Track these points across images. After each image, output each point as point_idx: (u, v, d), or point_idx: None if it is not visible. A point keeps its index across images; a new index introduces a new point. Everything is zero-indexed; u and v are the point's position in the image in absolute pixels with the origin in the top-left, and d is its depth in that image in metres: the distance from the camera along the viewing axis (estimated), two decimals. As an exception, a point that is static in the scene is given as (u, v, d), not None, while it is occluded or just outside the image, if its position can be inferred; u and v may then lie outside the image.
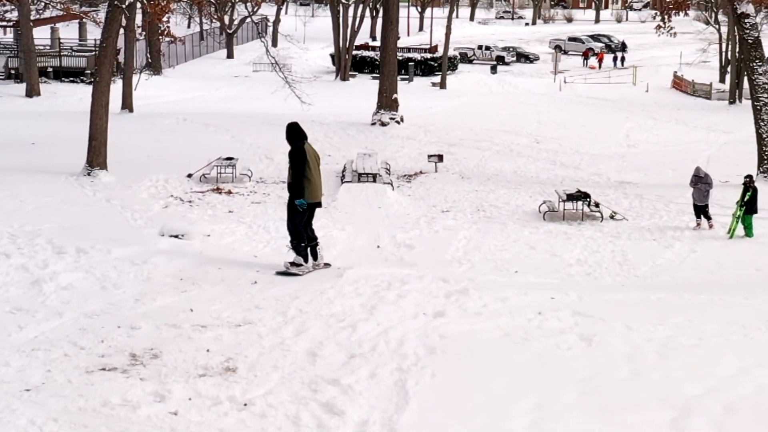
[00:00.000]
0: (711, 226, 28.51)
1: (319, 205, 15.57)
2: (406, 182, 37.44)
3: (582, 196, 30.57)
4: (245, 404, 7.72)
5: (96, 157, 35.24)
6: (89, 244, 14.35)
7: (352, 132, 48.84)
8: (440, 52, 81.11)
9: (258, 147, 43.83)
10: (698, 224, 28.74)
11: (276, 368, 8.69)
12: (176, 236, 19.86)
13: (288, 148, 15.57)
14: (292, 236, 15.20)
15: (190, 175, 36.61)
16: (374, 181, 34.80)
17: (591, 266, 23.89)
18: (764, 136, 37.41)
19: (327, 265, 15.92)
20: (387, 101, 51.54)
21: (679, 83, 78.06)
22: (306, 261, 15.19)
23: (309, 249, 15.11)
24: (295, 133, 14.87)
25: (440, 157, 39.59)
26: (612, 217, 30.44)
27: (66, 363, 8.79)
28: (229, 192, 34.34)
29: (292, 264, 15.02)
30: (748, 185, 27.66)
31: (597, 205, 30.74)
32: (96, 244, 14.38)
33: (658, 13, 41.49)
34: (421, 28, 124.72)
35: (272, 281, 13.43)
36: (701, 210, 28.82)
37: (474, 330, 10.21)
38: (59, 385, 8.03)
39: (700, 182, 29.06)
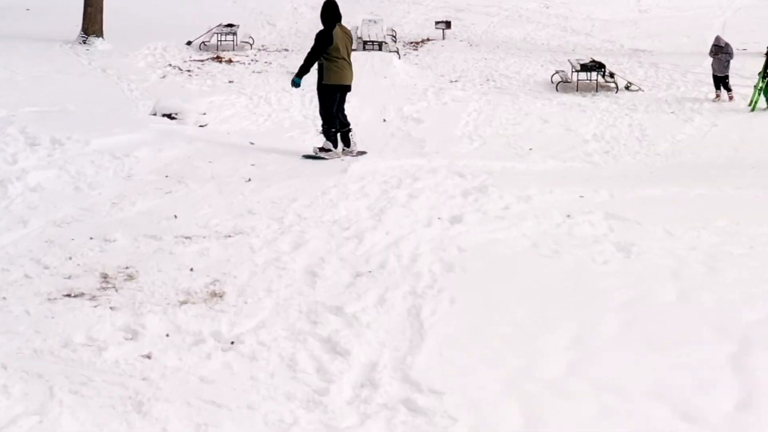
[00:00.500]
0: (731, 98, 26.87)
1: (348, 88, 14.06)
2: (413, 50, 35.61)
3: (596, 66, 28.82)
4: (232, 342, 6.36)
5: (92, 24, 33.41)
6: (66, 134, 12.80)
7: (357, -4, 46.54)
8: None
9: (260, 12, 41.85)
10: (718, 96, 27.09)
11: (270, 292, 7.29)
12: (169, 116, 18.24)
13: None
14: (323, 120, 14.08)
15: (189, 43, 34.82)
16: (380, 49, 33.00)
17: (608, 142, 22.41)
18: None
19: (361, 153, 14.48)
20: (392, -36, 49.12)
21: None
22: (335, 147, 14.01)
23: (340, 135, 14.14)
24: (330, 14, 13.32)
25: (448, 24, 37.67)
26: (627, 87, 28.78)
27: (26, 288, 7.38)
28: (230, 61, 32.60)
29: (321, 149, 13.97)
30: (772, 55, 25.93)
31: (612, 75, 29.04)
32: (74, 134, 12.83)
33: None
34: None
35: (267, 178, 11.95)
36: (721, 81, 27.12)
37: (496, 239, 8.76)
38: (14, 319, 6.64)
39: (720, 52, 27.29)
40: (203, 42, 34.25)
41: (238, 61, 32.65)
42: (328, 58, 13.21)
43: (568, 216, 9.88)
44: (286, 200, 10.24)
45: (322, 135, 14.46)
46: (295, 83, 14.08)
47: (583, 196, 10.85)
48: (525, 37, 38.22)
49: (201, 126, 18.92)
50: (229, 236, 8.89)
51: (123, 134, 13.46)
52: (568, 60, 30.84)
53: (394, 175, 11.92)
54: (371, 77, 30.40)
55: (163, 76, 30.14)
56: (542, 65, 32.70)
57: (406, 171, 12.34)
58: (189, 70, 31.12)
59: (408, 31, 39.28)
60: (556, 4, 45.06)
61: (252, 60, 33.03)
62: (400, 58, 32.98)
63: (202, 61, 32.54)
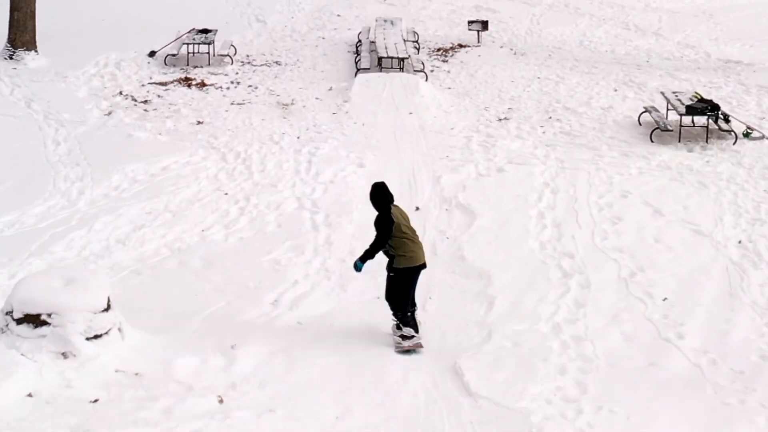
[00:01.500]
0: None
1: (424, 266, 11.35)
2: (442, 60, 27.00)
3: (707, 107, 20.26)
4: None
5: (20, 34, 24.95)
6: None
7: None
8: None
9: (247, 4, 33.07)
10: None
11: None
12: (37, 319, 9.73)
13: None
14: (394, 307, 11.35)
15: (152, 54, 26.25)
16: (401, 68, 24.39)
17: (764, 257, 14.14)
18: None
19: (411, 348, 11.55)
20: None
21: None
22: (417, 331, 11.45)
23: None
24: (382, 198, 11.21)
25: (484, 24, 29.00)
26: (747, 135, 20.27)
27: None
28: (202, 84, 24.07)
29: (403, 337, 11.37)
30: None
31: (727, 119, 20.49)
32: None
33: None
34: None
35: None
36: None
37: None
38: None
39: None
40: (170, 54, 25.57)
41: (213, 84, 24.09)
42: (395, 240, 11.15)
43: None
44: None
45: (393, 324, 11.67)
46: (358, 268, 11.56)
47: None
48: (581, 40, 29.53)
49: (90, 338, 10.23)
50: None
51: None
52: (662, 93, 22.18)
53: None
54: (391, 112, 21.96)
55: (109, 113, 21.66)
56: (616, 89, 24.14)
57: None
58: (146, 101, 22.59)
59: (432, 31, 30.58)
60: (608, -14, 36.12)
61: (232, 82, 24.44)
62: (427, 79, 24.37)
63: (165, 84, 23.99)
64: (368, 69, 24.40)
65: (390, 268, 11.20)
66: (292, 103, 22.71)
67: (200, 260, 13.80)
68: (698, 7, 33.97)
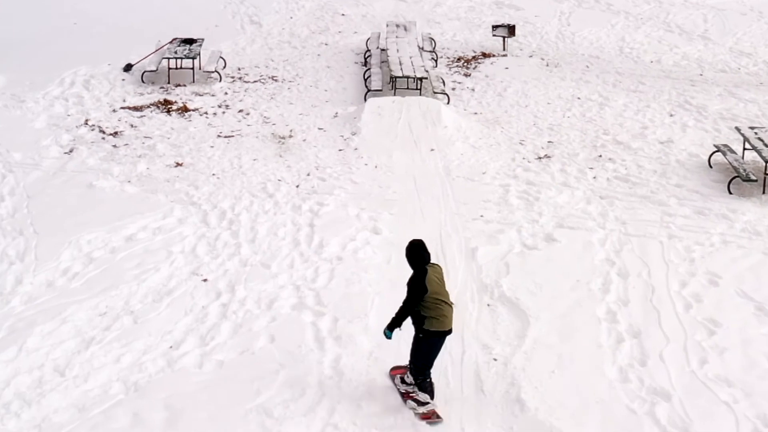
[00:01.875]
0: None
1: (450, 332, 10.36)
2: (464, 74, 23.16)
3: (798, 152, 16.54)
4: None
5: (-30, 47, 20.94)
6: None
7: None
8: None
9: (240, 2, 29.15)
10: None
11: None
12: None
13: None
14: (416, 371, 10.33)
15: (128, 68, 22.45)
16: (418, 89, 20.57)
17: None
18: None
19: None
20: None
21: None
22: (432, 398, 10.33)
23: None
24: (418, 258, 10.35)
25: (511, 30, 25.08)
26: None
27: None
28: (184, 109, 20.27)
29: (418, 403, 10.29)
30: None
31: (819, 164, 16.77)
32: None
33: None
34: None
35: None
36: None
37: None
38: None
39: None
40: (148, 70, 21.70)
41: (197, 109, 20.28)
42: (428, 302, 10.21)
43: None
44: None
45: (406, 387, 10.53)
46: (387, 336, 10.50)
47: None
48: (620, 46, 25.65)
49: None
50: None
51: None
52: (737, 129, 18.26)
53: None
54: (409, 149, 18.24)
55: (70, 151, 17.90)
56: (672, 114, 20.40)
57: None
58: (116, 133, 18.81)
59: (449, 35, 26.71)
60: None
61: (219, 105, 20.62)
62: (449, 101, 20.55)
63: (140, 109, 20.19)
64: (380, 90, 20.56)
65: (420, 329, 10.40)
66: (291, 135, 18.91)
67: (163, 410, 10.04)
68: (744, 4, 30.01)
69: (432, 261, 10.50)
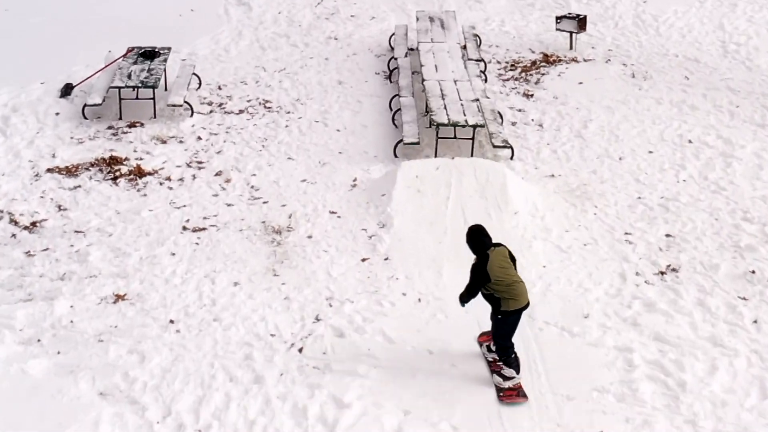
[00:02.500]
0: None
1: (527, 306, 10.13)
2: (524, 94, 17.09)
3: None
4: None
5: None
6: None
7: None
8: None
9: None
10: None
11: None
12: None
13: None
14: (500, 352, 10.19)
15: (68, 91, 16.30)
16: (471, 139, 14.38)
17: None
18: None
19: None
20: None
21: None
22: (518, 372, 10.08)
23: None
24: (479, 243, 10.09)
25: (581, 23, 18.60)
26: None
27: None
28: (138, 172, 14.08)
29: (504, 378, 10.02)
30: None
31: None
32: None
33: None
34: None
35: None
36: None
37: None
38: None
39: None
40: (90, 105, 15.39)
41: (156, 171, 14.14)
42: (497, 287, 10.02)
43: None
44: None
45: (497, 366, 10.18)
46: (462, 305, 10.37)
47: None
48: (722, 41, 19.33)
49: None
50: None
51: None
52: None
53: None
54: (466, 258, 11.84)
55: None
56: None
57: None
58: (34, 224, 12.76)
59: (496, 24, 20.34)
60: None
61: (189, 163, 14.54)
62: (513, 155, 14.33)
63: (75, 172, 14.08)
64: (416, 143, 14.29)
65: (497, 311, 10.05)
66: (290, 228, 12.80)
67: None
68: None
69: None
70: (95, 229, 12.65)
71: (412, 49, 18.05)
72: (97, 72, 16.49)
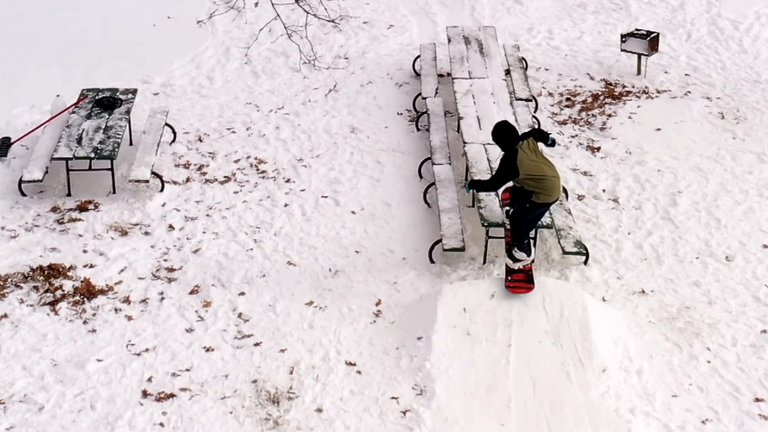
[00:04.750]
0: None
1: (556, 200, 10.05)
2: (587, 146, 13.08)
3: None
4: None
5: None
6: None
7: None
8: None
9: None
10: None
11: None
12: None
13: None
14: (518, 234, 9.99)
15: (4, 149, 12.30)
16: (533, 241, 10.48)
17: None
18: None
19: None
20: None
21: None
22: (529, 255, 9.99)
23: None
24: (506, 138, 9.73)
25: (652, 43, 14.56)
26: None
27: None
28: (87, 291, 10.30)
29: (514, 259, 9.94)
30: None
31: None
32: None
33: None
34: None
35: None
36: None
37: None
38: None
39: None
40: (30, 181, 11.47)
41: (110, 289, 10.35)
42: (528, 182, 9.77)
43: None
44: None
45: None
46: (466, 189, 10.34)
47: None
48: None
49: None
50: None
51: None
52: None
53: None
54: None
55: None
56: None
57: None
58: (-65, 391, 8.81)
59: (542, 38, 16.34)
60: None
61: (155, 273, 10.72)
62: (587, 260, 10.43)
63: (1, 292, 10.04)
64: (460, 249, 10.41)
65: (527, 201, 9.89)
66: (290, 395, 9.09)
67: None
68: None
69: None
70: (19, 399, 8.86)
71: (442, 75, 14.13)
72: (42, 125, 12.55)
